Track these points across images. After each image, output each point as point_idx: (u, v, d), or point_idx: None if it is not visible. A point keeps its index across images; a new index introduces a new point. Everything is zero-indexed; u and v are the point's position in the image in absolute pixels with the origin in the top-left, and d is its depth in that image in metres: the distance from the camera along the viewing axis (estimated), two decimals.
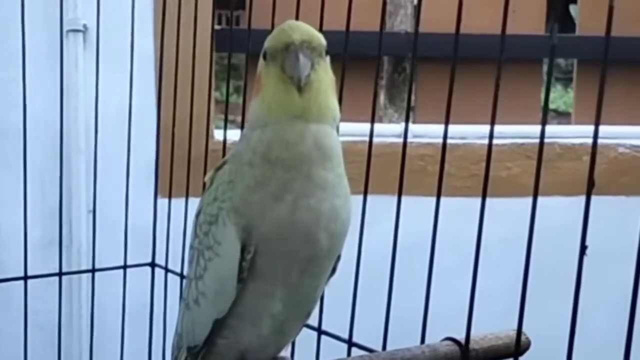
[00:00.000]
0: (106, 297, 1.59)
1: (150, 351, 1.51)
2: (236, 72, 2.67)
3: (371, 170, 1.05)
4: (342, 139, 0.82)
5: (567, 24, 3.27)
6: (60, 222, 1.52)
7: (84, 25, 1.84)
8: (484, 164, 0.86)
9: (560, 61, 4.81)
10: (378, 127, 1.90)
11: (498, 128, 0.87)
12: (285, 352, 0.92)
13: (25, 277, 1.47)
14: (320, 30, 0.90)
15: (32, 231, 1.52)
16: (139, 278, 1.55)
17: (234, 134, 1.48)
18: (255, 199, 0.77)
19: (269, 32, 0.81)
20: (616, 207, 1.91)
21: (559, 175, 1.95)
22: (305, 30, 0.78)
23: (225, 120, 1.31)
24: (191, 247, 0.88)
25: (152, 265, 1.55)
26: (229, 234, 0.79)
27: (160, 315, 1.46)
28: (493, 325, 0.90)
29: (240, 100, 1.21)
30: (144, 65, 1.73)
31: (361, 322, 1.07)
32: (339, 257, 0.86)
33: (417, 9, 1.01)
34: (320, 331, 1.12)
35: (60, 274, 1.52)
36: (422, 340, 0.93)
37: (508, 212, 1.44)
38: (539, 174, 0.80)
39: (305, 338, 1.03)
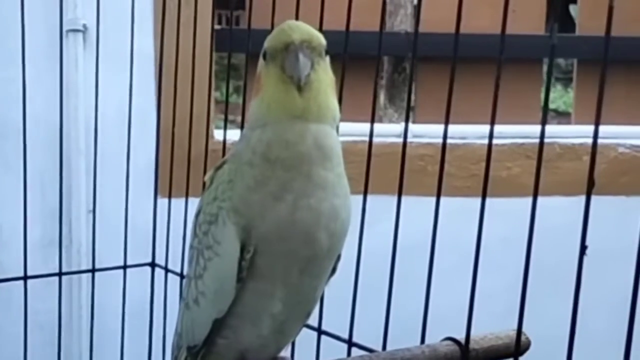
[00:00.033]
0: (106, 297, 1.59)
1: (150, 351, 1.51)
2: (236, 72, 2.67)
3: (371, 170, 1.05)
4: (342, 139, 0.82)
5: (567, 24, 3.27)
6: (60, 222, 1.52)
7: (84, 25, 1.84)
8: (484, 164, 0.86)
9: (560, 61, 4.81)
10: (378, 127, 1.90)
11: (498, 128, 0.87)
12: (285, 352, 0.92)
13: (25, 277, 1.47)
14: (320, 30, 0.90)
15: (32, 231, 1.52)
16: (139, 278, 1.55)
17: (233, 134, 1.47)
18: (255, 199, 0.77)
19: (269, 32, 0.81)
20: (616, 207, 1.91)
21: (559, 175, 1.95)
22: (305, 30, 0.78)
23: (225, 120, 1.31)
24: (191, 246, 0.88)
25: (152, 265, 1.55)
26: (229, 233, 0.79)
27: (160, 315, 1.46)
28: (493, 325, 0.89)
29: (240, 100, 1.21)
30: (144, 65, 1.73)
31: (361, 322, 1.07)
32: (339, 257, 0.86)
33: (417, 9, 1.01)
34: (320, 331, 1.12)
35: (60, 274, 1.52)
36: (422, 340, 0.93)
37: (508, 212, 1.44)
38: (539, 174, 0.80)
39: (305, 338, 1.03)
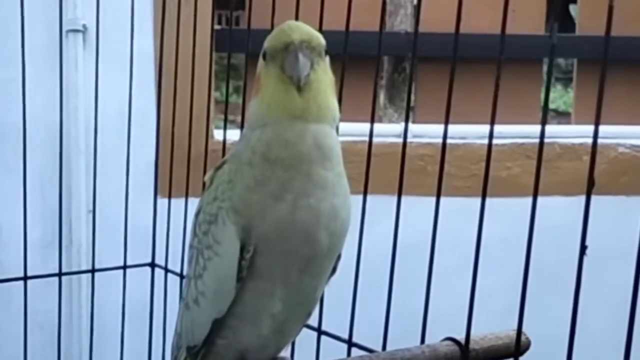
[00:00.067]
0: (106, 297, 1.59)
1: (150, 351, 1.51)
2: (236, 72, 2.67)
3: (371, 170, 1.05)
4: (342, 139, 0.82)
5: (567, 23, 3.27)
6: (60, 222, 1.52)
7: (84, 25, 1.84)
8: (484, 164, 0.86)
9: (560, 61, 4.81)
10: (378, 127, 1.90)
11: (498, 128, 0.87)
12: (285, 352, 0.92)
13: (25, 278, 1.47)
14: (320, 30, 0.90)
15: (32, 231, 1.52)
16: (138, 278, 1.55)
17: (233, 134, 1.48)
18: (255, 199, 0.77)
19: (269, 32, 0.81)
20: (616, 207, 1.91)
21: (559, 175, 1.95)
22: (304, 30, 0.78)
23: (225, 120, 1.31)
24: (191, 246, 0.88)
25: (152, 265, 1.55)
26: (229, 233, 0.79)
27: (160, 316, 1.46)
28: (493, 325, 0.89)
29: (240, 100, 1.21)
30: (144, 65, 1.73)
31: (361, 322, 1.07)
32: (339, 257, 0.86)
33: (417, 9, 1.01)
34: (320, 331, 1.12)
35: (60, 274, 1.52)
36: (422, 340, 0.93)
37: (508, 212, 1.44)
38: (539, 173, 0.80)
39: (305, 338, 1.03)
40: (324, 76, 0.78)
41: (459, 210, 1.30)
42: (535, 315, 0.91)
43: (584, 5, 2.54)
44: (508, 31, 0.84)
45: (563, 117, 5.54)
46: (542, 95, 1.09)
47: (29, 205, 1.47)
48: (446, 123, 0.91)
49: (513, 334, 0.87)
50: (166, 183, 1.47)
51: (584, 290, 0.77)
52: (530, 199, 0.80)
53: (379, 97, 3.32)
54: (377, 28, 1.06)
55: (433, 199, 0.93)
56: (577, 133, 2.04)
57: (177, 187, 1.44)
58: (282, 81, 0.76)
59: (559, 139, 2.01)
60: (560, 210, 1.55)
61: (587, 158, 1.91)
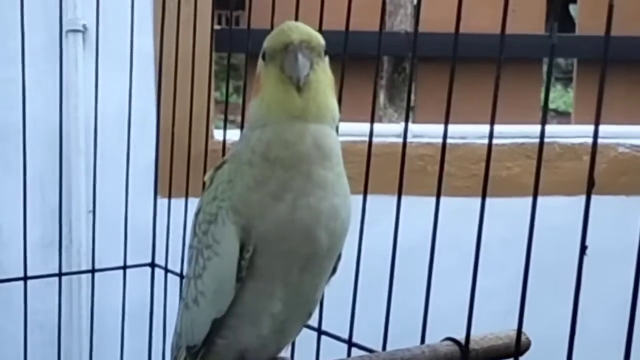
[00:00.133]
0: (106, 298, 1.59)
1: (150, 351, 1.51)
2: (236, 72, 2.67)
3: (371, 170, 1.05)
4: (341, 139, 0.82)
5: (567, 23, 3.27)
6: (60, 222, 1.52)
7: (84, 26, 1.84)
8: (484, 164, 0.86)
9: (560, 61, 4.81)
10: (378, 127, 1.90)
11: (498, 128, 0.87)
12: (285, 352, 0.92)
13: (25, 278, 1.47)
14: (320, 30, 0.90)
15: (32, 231, 1.53)
16: (138, 278, 1.55)
17: (233, 134, 1.47)
18: (255, 198, 0.77)
19: (269, 32, 0.81)
20: (616, 207, 1.91)
21: (559, 175, 1.95)
22: (304, 30, 0.78)
23: (225, 120, 1.31)
24: (190, 246, 0.88)
25: (152, 265, 1.55)
26: (228, 233, 0.79)
27: (160, 316, 1.46)
28: (493, 325, 0.89)
29: (240, 100, 1.21)
30: (144, 65, 1.73)
31: (361, 322, 1.07)
32: (339, 257, 0.86)
33: (417, 9, 1.01)
34: (320, 331, 1.12)
35: (60, 274, 1.52)
36: (422, 341, 0.93)
37: (508, 212, 1.44)
38: (539, 173, 0.80)
39: (305, 338, 1.03)
40: (324, 76, 0.78)
41: (459, 210, 1.30)
42: (535, 315, 0.91)
43: (584, 5, 2.54)
44: (508, 31, 0.84)
45: (563, 117, 5.54)
46: (542, 95, 1.09)
47: (29, 205, 1.47)
48: (446, 123, 0.91)
49: (513, 334, 0.87)
50: (166, 183, 1.47)
51: (584, 290, 0.77)
52: (530, 199, 0.80)
53: (379, 97, 3.32)
54: (377, 28, 1.06)
55: (433, 199, 0.93)
56: (577, 133, 2.04)
57: (177, 187, 1.44)
58: (282, 81, 0.76)
59: (559, 139, 2.01)
60: (560, 210, 1.55)
61: (587, 158, 1.90)
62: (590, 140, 0.75)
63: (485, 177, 0.87)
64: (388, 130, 2.02)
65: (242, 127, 1.16)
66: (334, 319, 1.09)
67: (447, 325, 0.90)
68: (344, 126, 0.98)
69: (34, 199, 1.62)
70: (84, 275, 1.80)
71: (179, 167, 1.43)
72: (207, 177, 0.86)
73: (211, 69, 1.45)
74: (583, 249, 0.76)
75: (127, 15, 1.54)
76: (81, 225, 1.85)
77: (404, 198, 0.99)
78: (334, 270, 0.87)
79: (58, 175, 1.52)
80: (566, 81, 5.61)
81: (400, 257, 1.01)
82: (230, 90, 1.50)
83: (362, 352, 0.98)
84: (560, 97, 6.02)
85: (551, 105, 5.57)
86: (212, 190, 0.83)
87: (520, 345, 0.87)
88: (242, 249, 0.78)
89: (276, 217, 0.76)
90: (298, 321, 0.88)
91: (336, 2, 1.09)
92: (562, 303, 0.83)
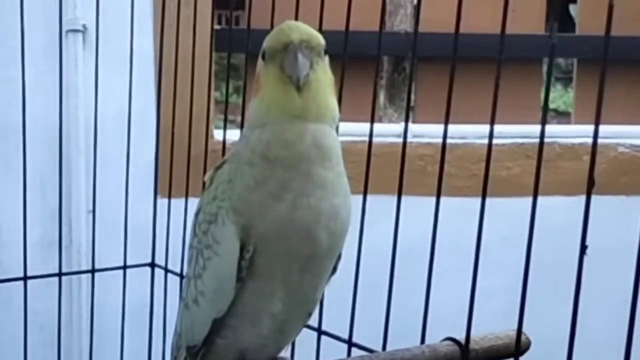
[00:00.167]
0: (106, 297, 1.59)
1: (150, 351, 1.51)
2: (236, 72, 2.67)
3: (371, 170, 1.05)
4: (341, 138, 0.82)
5: (567, 23, 3.27)
6: (60, 222, 1.52)
7: (84, 26, 1.84)
8: (484, 164, 0.86)
9: (560, 61, 4.81)
10: (378, 127, 1.90)
11: (498, 128, 0.87)
12: (285, 352, 0.92)
13: (25, 278, 1.47)
14: (320, 30, 0.90)
15: (32, 231, 1.53)
16: (138, 278, 1.55)
17: (233, 134, 1.47)
18: (255, 198, 0.77)
19: (269, 32, 0.81)
20: (616, 207, 1.91)
21: (559, 175, 1.95)
22: (304, 30, 0.78)
23: (225, 120, 1.31)
24: (190, 246, 0.88)
25: (152, 265, 1.55)
26: (228, 233, 0.79)
27: (160, 316, 1.45)
28: (493, 325, 0.89)
29: (240, 100, 1.21)
30: (144, 65, 1.73)
31: (361, 322, 1.07)
32: (339, 256, 0.86)
33: (417, 9, 1.01)
34: (320, 331, 1.12)
35: (60, 274, 1.52)
36: (422, 340, 0.93)
37: (508, 212, 1.44)
38: (539, 173, 0.80)
39: (305, 338, 1.03)
40: (324, 76, 0.78)
41: (459, 210, 1.30)
42: (535, 315, 0.91)
43: (584, 5, 2.54)
44: (508, 31, 0.84)
45: (563, 117, 5.54)
46: (542, 95, 1.09)
47: (29, 205, 1.47)
48: (446, 123, 0.91)
49: (513, 334, 0.87)
50: (166, 183, 1.47)
51: (584, 291, 0.77)
52: (530, 199, 0.80)
53: (379, 97, 3.32)
54: (377, 28, 1.06)
55: (433, 199, 0.93)
56: (577, 133, 2.04)
57: (177, 187, 1.44)
58: (282, 81, 0.76)
59: (559, 139, 2.01)
60: (560, 210, 1.55)
61: (587, 158, 1.90)
62: (590, 140, 0.75)
63: (485, 177, 0.87)
64: (388, 130, 2.02)
65: (242, 127, 1.16)
66: (334, 319, 1.09)
67: (447, 325, 0.90)
68: (344, 126, 0.98)
69: (34, 199, 1.62)
70: (84, 275, 1.80)
71: (179, 167, 1.43)
72: (207, 177, 0.86)
73: (211, 69, 1.45)
74: (583, 249, 0.76)
75: (127, 16, 1.54)
76: (81, 225, 1.85)
77: (404, 198, 0.99)
78: (334, 270, 0.87)
79: (58, 175, 1.52)
80: (566, 81, 5.61)
81: (400, 257, 1.01)
82: (230, 90, 1.50)
83: (362, 352, 0.98)
84: (560, 97, 6.02)
85: (551, 105, 5.57)
86: (212, 190, 0.82)
87: (520, 345, 0.87)
88: (242, 249, 0.78)
89: (276, 217, 0.76)
90: (298, 321, 0.88)
91: (336, 2, 1.09)
92: (562, 303, 0.83)
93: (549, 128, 2.11)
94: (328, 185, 0.77)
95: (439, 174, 0.92)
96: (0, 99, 1.76)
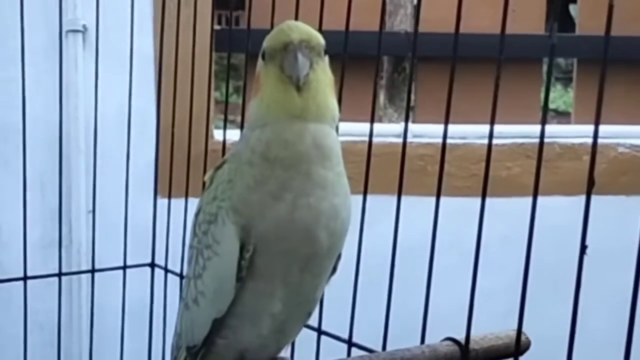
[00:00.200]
0: (106, 298, 1.59)
1: (150, 351, 1.51)
2: (236, 72, 2.67)
3: (371, 170, 1.05)
4: (341, 138, 0.82)
5: (567, 23, 3.27)
6: (60, 222, 1.52)
7: (84, 26, 1.84)
8: (484, 164, 0.86)
9: (560, 61, 4.81)
10: (378, 127, 1.90)
11: (498, 128, 0.87)
12: (285, 352, 0.92)
13: (25, 278, 1.47)
14: (320, 30, 0.90)
15: (32, 231, 1.53)
16: (138, 278, 1.55)
17: (233, 134, 1.48)
18: (255, 198, 0.77)
19: (269, 32, 0.80)
20: (616, 207, 1.91)
21: (559, 174, 1.95)
22: (303, 29, 0.77)
23: (225, 121, 1.31)
24: (190, 246, 0.88)
25: (152, 265, 1.55)
26: (228, 233, 0.79)
27: (160, 316, 1.45)
28: (493, 325, 0.89)
29: (240, 100, 1.21)
30: (144, 65, 1.73)
31: (361, 322, 1.07)
32: (339, 256, 0.86)
33: (417, 9, 1.01)
34: (320, 331, 1.12)
35: (60, 274, 1.52)
36: (422, 340, 0.93)
37: (508, 212, 1.44)
38: (538, 173, 0.80)
39: (305, 338, 1.03)
40: (323, 76, 0.78)
41: (459, 210, 1.30)
42: (535, 315, 0.91)
43: (584, 5, 2.54)
44: (508, 31, 0.84)
45: (563, 117, 5.54)
46: (542, 95, 1.09)
47: (29, 205, 1.47)
48: (446, 123, 0.91)
49: (513, 334, 0.87)
50: (166, 183, 1.47)
51: (584, 290, 0.77)
52: (530, 199, 0.80)
53: (378, 97, 3.32)
54: (376, 28, 1.06)
55: (433, 199, 0.93)
56: (577, 133, 2.04)
57: (177, 187, 1.44)
58: (282, 81, 0.76)
59: (559, 139, 2.01)
60: (560, 210, 1.55)
61: (587, 158, 1.90)
62: (590, 140, 0.75)
63: (485, 177, 0.87)
64: (388, 130, 2.02)
65: (242, 127, 1.16)
66: (334, 318, 1.09)
67: (447, 325, 0.90)
68: (344, 126, 0.98)
69: (34, 199, 1.62)
70: (84, 275, 1.80)
71: (179, 167, 1.43)
72: (207, 177, 0.86)
73: (211, 69, 1.45)
74: (583, 248, 0.76)
75: (127, 16, 1.54)
76: (81, 225, 1.85)
77: (404, 198, 0.99)
78: (334, 269, 0.87)
79: (58, 175, 1.52)
80: (566, 81, 5.61)
81: (400, 257, 1.01)
82: (230, 90, 1.50)
83: (362, 352, 0.98)
84: (560, 97, 6.02)
85: (551, 105, 5.57)
86: (212, 190, 0.82)
87: (520, 345, 0.87)
88: (242, 248, 0.78)
89: (276, 216, 0.76)
90: (298, 321, 0.88)
91: (336, 2, 1.09)
92: (562, 303, 0.83)
93: (549, 128, 2.11)
94: (328, 185, 0.77)
95: (439, 174, 0.92)
96: (0, 99, 1.76)
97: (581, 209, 0.75)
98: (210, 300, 0.83)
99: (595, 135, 0.74)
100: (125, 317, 1.54)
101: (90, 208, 1.67)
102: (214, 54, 1.49)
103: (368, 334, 1.04)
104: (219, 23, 4.09)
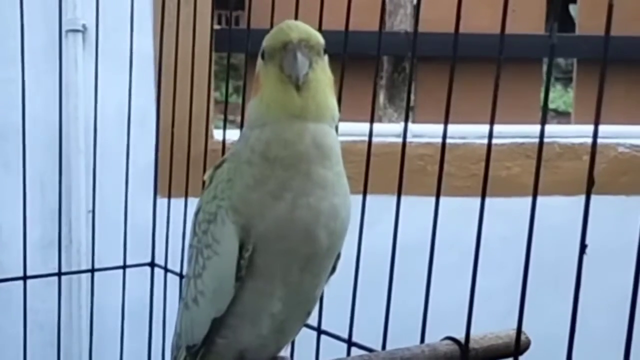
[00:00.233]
0: (106, 297, 1.59)
1: (150, 351, 1.51)
2: (235, 72, 2.66)
3: (371, 170, 1.05)
4: (341, 138, 0.82)
5: (567, 23, 3.27)
6: (59, 222, 1.52)
7: (83, 26, 1.84)
8: (483, 164, 0.86)
9: (560, 61, 4.80)
10: (377, 126, 1.90)
11: (498, 128, 0.87)
12: (285, 352, 0.92)
13: (25, 277, 1.47)
14: (320, 30, 0.90)
15: (32, 231, 1.52)
16: (138, 278, 1.55)
17: (233, 134, 1.47)
18: (254, 198, 0.77)
19: (268, 32, 0.80)
20: (616, 207, 1.91)
21: (559, 174, 1.95)
22: (303, 29, 0.77)
23: (225, 120, 1.31)
24: (190, 245, 0.88)
25: (152, 265, 1.55)
26: (228, 232, 0.79)
27: (159, 316, 1.45)
28: (493, 325, 0.89)
29: (240, 100, 1.21)
30: (144, 65, 1.73)
31: (361, 321, 1.07)
32: (338, 256, 0.86)
33: (417, 9, 1.01)
34: (320, 331, 1.12)
35: (59, 274, 1.52)
36: (422, 340, 0.93)
37: (508, 211, 1.44)
38: (538, 173, 0.80)
39: (305, 338, 1.03)
40: (323, 75, 0.78)
41: (459, 210, 1.30)
42: (535, 314, 0.91)
43: (583, 5, 2.54)
44: (508, 31, 0.84)
45: (563, 116, 5.54)
46: (542, 95, 1.09)
47: (29, 205, 1.47)
48: (446, 123, 0.91)
49: (513, 333, 0.87)
50: (166, 183, 1.47)
51: (584, 290, 0.77)
52: (530, 199, 0.80)
53: (378, 97, 3.32)
54: (376, 28, 1.06)
55: (433, 199, 0.93)
56: (577, 133, 2.04)
57: (176, 186, 1.44)
58: (281, 80, 0.76)
59: (559, 139, 2.01)
60: (560, 210, 1.55)
61: (587, 158, 1.90)
62: (590, 140, 0.75)
63: (485, 177, 0.87)
64: (388, 130, 2.02)
65: (242, 127, 1.16)
66: (334, 318, 1.09)
67: (447, 325, 0.90)
68: (344, 126, 0.98)
69: (34, 199, 1.62)
70: (83, 275, 1.80)
71: (178, 167, 1.43)
72: (206, 176, 0.86)
73: (211, 69, 1.45)
74: (583, 248, 0.76)
75: (126, 16, 1.54)
76: (81, 225, 1.86)
77: (403, 198, 0.99)
78: (334, 269, 0.87)
79: (58, 175, 1.52)
80: (566, 81, 5.60)
81: (400, 256, 1.01)
82: (230, 90, 1.50)
83: (362, 352, 0.98)
84: (560, 97, 6.02)
85: (551, 105, 5.57)
86: (212, 190, 0.82)
87: (520, 344, 0.87)
88: (242, 248, 0.78)
89: (276, 216, 0.76)
90: (298, 320, 0.88)
91: (336, 2, 1.09)
92: (562, 302, 0.83)
93: (549, 128, 2.11)
94: (328, 185, 0.77)
95: (439, 173, 0.92)
96: (0, 99, 1.76)
97: (581, 209, 0.75)
98: (209, 299, 0.83)
99: (595, 135, 0.74)
100: (125, 316, 1.54)
101: (90, 208, 1.67)
102: (213, 53, 1.49)
103: (368, 334, 1.04)
104: (219, 23, 4.09)
